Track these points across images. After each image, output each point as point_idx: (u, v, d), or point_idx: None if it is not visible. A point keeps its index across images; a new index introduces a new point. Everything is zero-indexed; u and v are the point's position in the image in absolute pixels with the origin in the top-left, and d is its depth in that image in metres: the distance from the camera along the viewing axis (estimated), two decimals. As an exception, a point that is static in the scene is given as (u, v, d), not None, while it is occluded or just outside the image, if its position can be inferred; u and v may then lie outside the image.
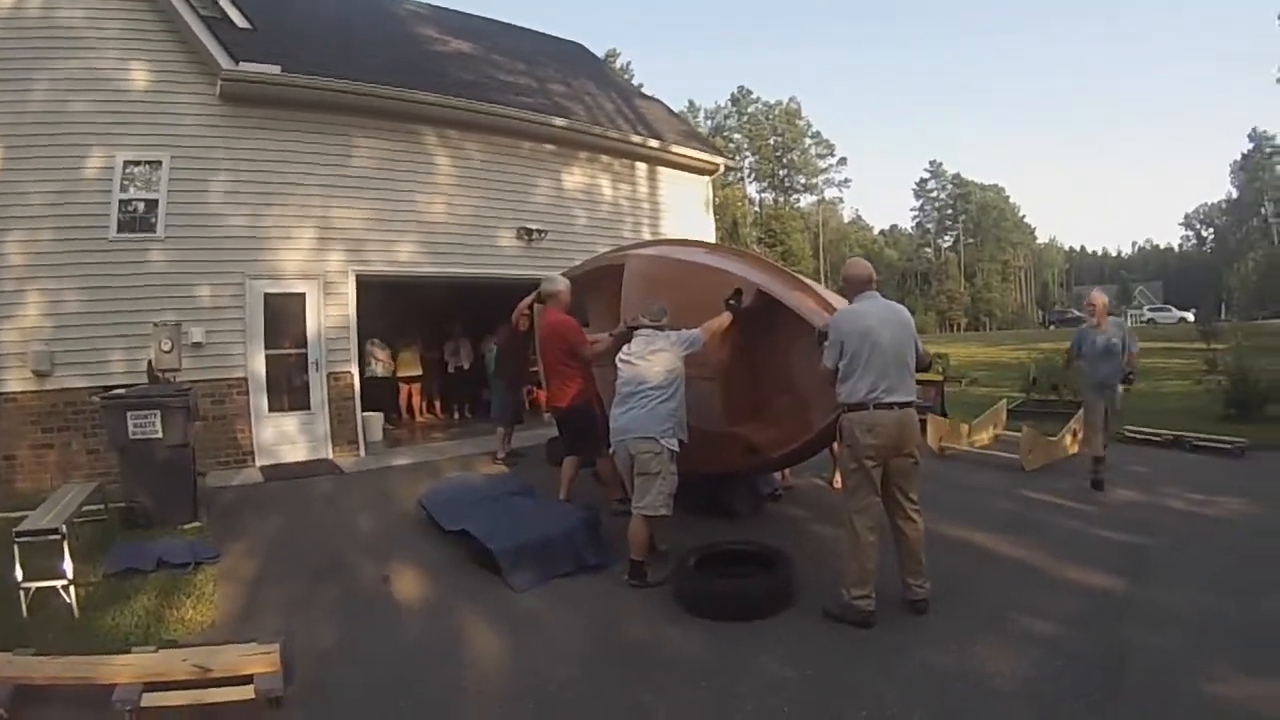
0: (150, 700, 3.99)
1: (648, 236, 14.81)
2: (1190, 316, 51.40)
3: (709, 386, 6.80)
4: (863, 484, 5.10)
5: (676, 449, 5.87)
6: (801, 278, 7.31)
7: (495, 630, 5.25)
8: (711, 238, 17.03)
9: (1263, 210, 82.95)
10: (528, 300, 8.50)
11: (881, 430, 4.99)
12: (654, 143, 15.65)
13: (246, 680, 4.12)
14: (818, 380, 5.58)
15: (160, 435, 7.74)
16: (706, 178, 17.45)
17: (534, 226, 13.57)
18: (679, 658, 4.76)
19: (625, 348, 6.25)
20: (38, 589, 5.47)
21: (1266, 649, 4.48)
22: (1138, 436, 11.07)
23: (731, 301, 6.47)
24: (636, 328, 6.34)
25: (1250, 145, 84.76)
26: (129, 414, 7.71)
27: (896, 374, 5.06)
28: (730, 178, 75.81)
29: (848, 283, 5.49)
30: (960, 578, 5.80)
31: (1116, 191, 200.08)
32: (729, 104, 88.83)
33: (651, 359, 5.99)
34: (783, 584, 5.44)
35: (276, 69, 10.78)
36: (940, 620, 5.04)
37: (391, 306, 13.86)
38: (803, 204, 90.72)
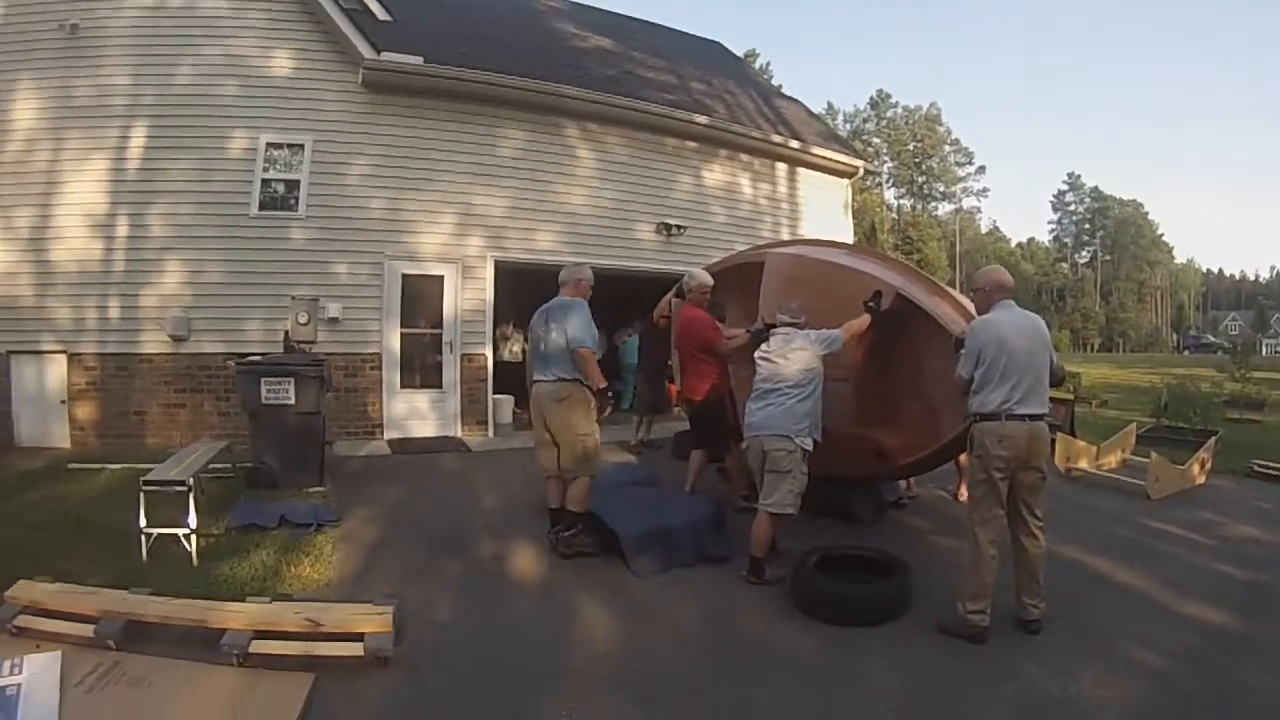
0: (259, 648, 4.01)
1: (786, 236, 14.59)
2: None
3: (842, 388, 6.61)
4: (989, 495, 4.89)
5: (810, 449, 5.70)
6: (940, 284, 7.10)
7: (607, 613, 5.17)
8: (849, 241, 16.65)
9: None
10: (669, 295, 8.33)
11: (1012, 442, 4.78)
12: (794, 143, 15.41)
13: (357, 638, 4.14)
14: (949, 389, 5.46)
15: (292, 402, 7.92)
16: (846, 180, 17.09)
17: (673, 222, 13.54)
18: (788, 656, 4.68)
19: (764, 345, 6.10)
20: (159, 535, 5.61)
21: None
22: (1267, 472, 10.27)
23: (871, 304, 6.29)
24: (774, 325, 6.20)
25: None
26: (263, 380, 7.91)
27: (1030, 386, 4.86)
28: (868, 183, 74.75)
29: (985, 291, 5.28)
30: (1073, 601, 5.58)
31: (1258, 212, 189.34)
32: (868, 107, 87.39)
33: (791, 357, 5.83)
34: (899, 592, 5.33)
35: (419, 59, 11.05)
36: (1050, 643, 4.86)
37: (527, 294, 13.91)
38: (940, 212, 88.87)
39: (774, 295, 7.32)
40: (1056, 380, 5.42)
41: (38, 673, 3.66)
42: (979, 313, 5.34)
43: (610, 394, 6.35)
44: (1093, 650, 4.75)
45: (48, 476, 8.05)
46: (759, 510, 5.73)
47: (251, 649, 3.98)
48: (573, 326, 6.07)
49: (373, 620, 4.23)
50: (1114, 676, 4.42)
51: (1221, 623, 5.27)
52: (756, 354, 6.09)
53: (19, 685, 3.57)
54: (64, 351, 10.05)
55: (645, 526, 6.13)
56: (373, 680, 3.96)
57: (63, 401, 10.01)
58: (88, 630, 4.13)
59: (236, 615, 4.23)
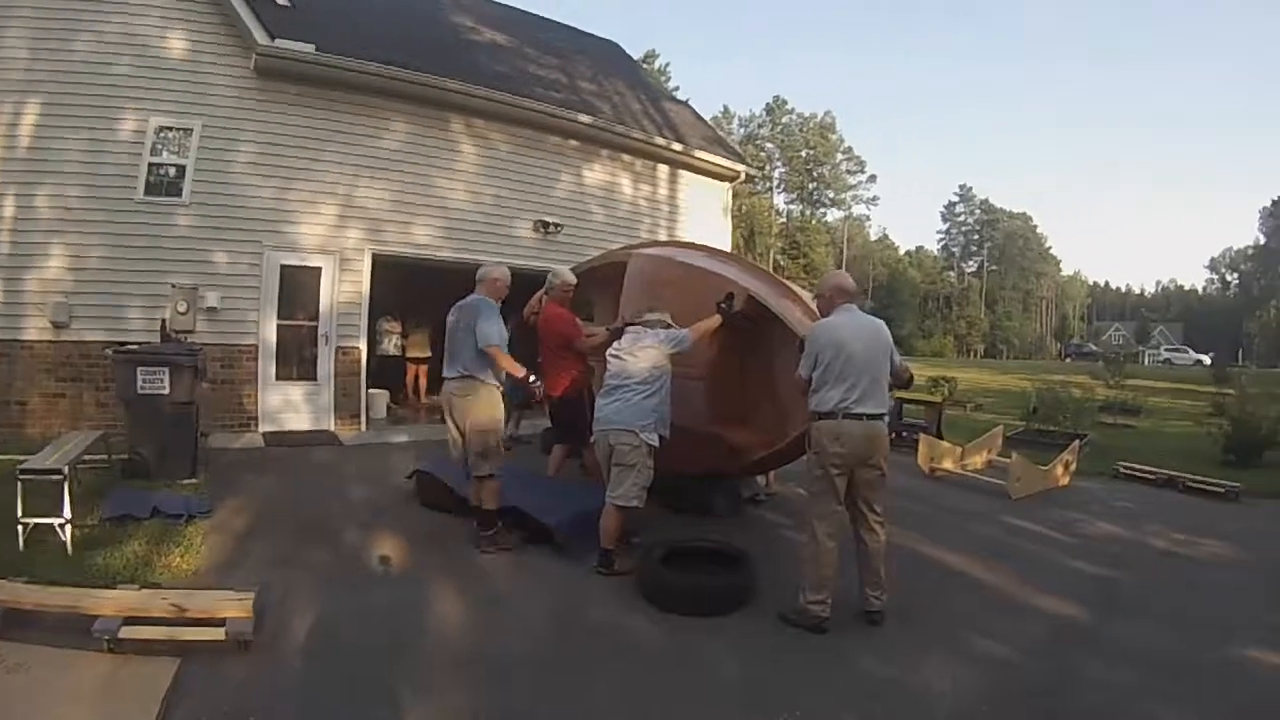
0: (128, 633, 4.24)
1: (663, 237, 15.06)
2: (1207, 360, 51.24)
3: (695, 386, 6.94)
4: (826, 491, 5.18)
5: (656, 444, 5.96)
6: (794, 288, 7.46)
7: (462, 602, 5.42)
8: (728, 243, 17.27)
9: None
10: (539, 293, 8.71)
11: (848, 439, 5.06)
12: (677, 146, 15.85)
13: (220, 623, 4.38)
14: (797, 388, 5.65)
15: (167, 392, 8.02)
16: (727, 184, 17.62)
17: (552, 220, 13.83)
18: (632, 644, 4.91)
19: (616, 343, 6.37)
20: (36, 525, 5.73)
21: (1219, 693, 4.53)
22: (1131, 473, 11.09)
23: (723, 305, 6.59)
24: (631, 324, 6.46)
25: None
26: (139, 369, 8.00)
27: (867, 386, 5.13)
28: (758, 187, 75.90)
29: (826, 296, 5.57)
30: (924, 596, 5.89)
31: (1144, 229, 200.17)
32: (764, 113, 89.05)
33: (639, 355, 6.09)
34: (742, 583, 5.56)
35: (311, 48, 11.04)
36: (894, 634, 5.13)
37: (407, 288, 14.10)
38: (830, 218, 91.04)
39: (635, 295, 7.66)
40: (902, 382, 5.80)
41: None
42: (821, 316, 5.60)
43: (534, 380, 6.62)
44: (937, 641, 5.04)
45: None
46: (606, 503, 5.97)
47: (121, 634, 4.18)
48: (480, 325, 6.23)
49: (234, 606, 4.47)
50: (954, 667, 4.67)
51: (1072, 617, 5.64)
52: (608, 351, 6.35)
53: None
54: (-60, 338, 9.76)
55: (571, 511, 6.47)
56: (234, 663, 4.19)
57: (-61, 390, 9.73)
58: None
59: (108, 602, 4.45)
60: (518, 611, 5.39)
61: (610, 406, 6.06)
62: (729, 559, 5.85)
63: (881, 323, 5.56)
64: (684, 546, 6.07)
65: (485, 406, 6.37)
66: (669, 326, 6.32)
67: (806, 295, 7.31)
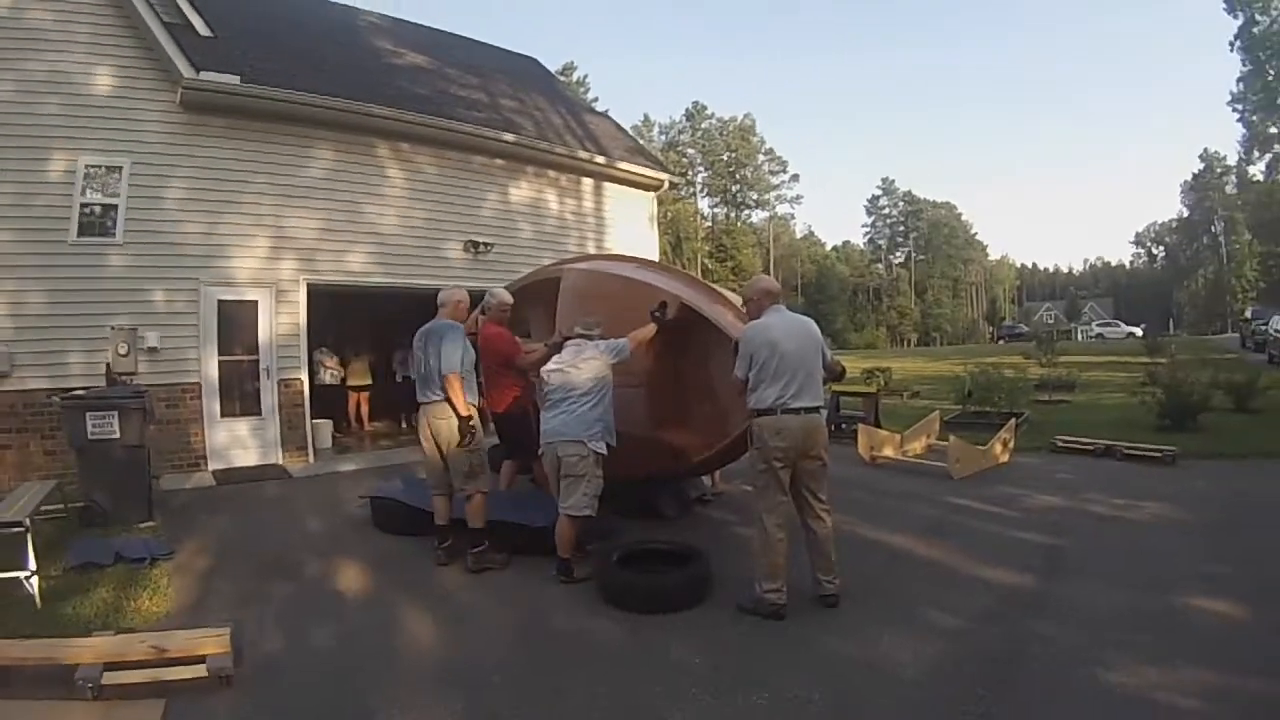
0: (111, 679, 4.31)
1: (592, 250, 15.36)
2: (1139, 332, 52.17)
3: (636, 393, 7.18)
4: (771, 484, 5.41)
5: (604, 452, 6.15)
6: (724, 292, 7.73)
7: (430, 620, 5.58)
8: (655, 252, 17.63)
9: (1213, 229, 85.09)
10: (475, 313, 8.85)
11: (789, 433, 5.30)
12: (600, 159, 16.15)
13: (200, 660, 4.48)
14: (733, 389, 5.83)
15: (118, 436, 8.05)
16: (652, 193, 17.98)
17: (481, 239, 14.00)
18: (600, 646, 5.07)
19: (556, 356, 6.52)
20: (1, 580, 5.74)
21: (1165, 640, 4.78)
22: (1069, 446, 11.40)
23: (657, 313, 6.83)
24: (570, 338, 6.61)
25: (1201, 165, 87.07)
26: (88, 414, 8.02)
27: (803, 382, 5.37)
28: (683, 192, 76.54)
29: (755, 300, 5.83)
30: (875, 577, 6.13)
31: (1069, 210, 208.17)
32: (683, 119, 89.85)
33: (582, 366, 6.25)
34: (697, 579, 5.75)
35: (235, 79, 11.11)
36: (850, 614, 5.36)
37: (343, 316, 14.20)
38: (755, 219, 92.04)
39: (569, 310, 7.89)
40: (835, 375, 6.07)
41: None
42: (751, 319, 5.82)
43: (473, 422, 6.76)
44: (892, 618, 5.26)
45: None
46: (559, 514, 6.15)
47: (104, 680, 4.26)
48: (444, 351, 6.43)
49: (212, 642, 4.57)
50: (912, 639, 4.90)
51: (1019, 584, 5.91)
52: (548, 365, 6.50)
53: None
54: (-120, 393, 9.56)
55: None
56: (219, 699, 4.28)
57: (-121, 448, 9.52)
58: None
59: (86, 650, 4.50)
60: (486, 624, 5.55)
61: (557, 419, 6.22)
62: (683, 558, 6.01)
63: (810, 320, 5.84)
64: (639, 548, 6.29)
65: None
66: (605, 338, 6.52)
67: (735, 299, 7.55)
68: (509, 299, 7.89)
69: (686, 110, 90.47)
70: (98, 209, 10.73)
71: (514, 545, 6.77)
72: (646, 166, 17.81)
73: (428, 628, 5.48)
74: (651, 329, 6.81)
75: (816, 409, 5.50)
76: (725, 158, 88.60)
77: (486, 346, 7.74)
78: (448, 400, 6.47)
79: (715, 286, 8.21)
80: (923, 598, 5.69)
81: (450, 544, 6.75)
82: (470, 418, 6.54)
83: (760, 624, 5.24)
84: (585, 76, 74.37)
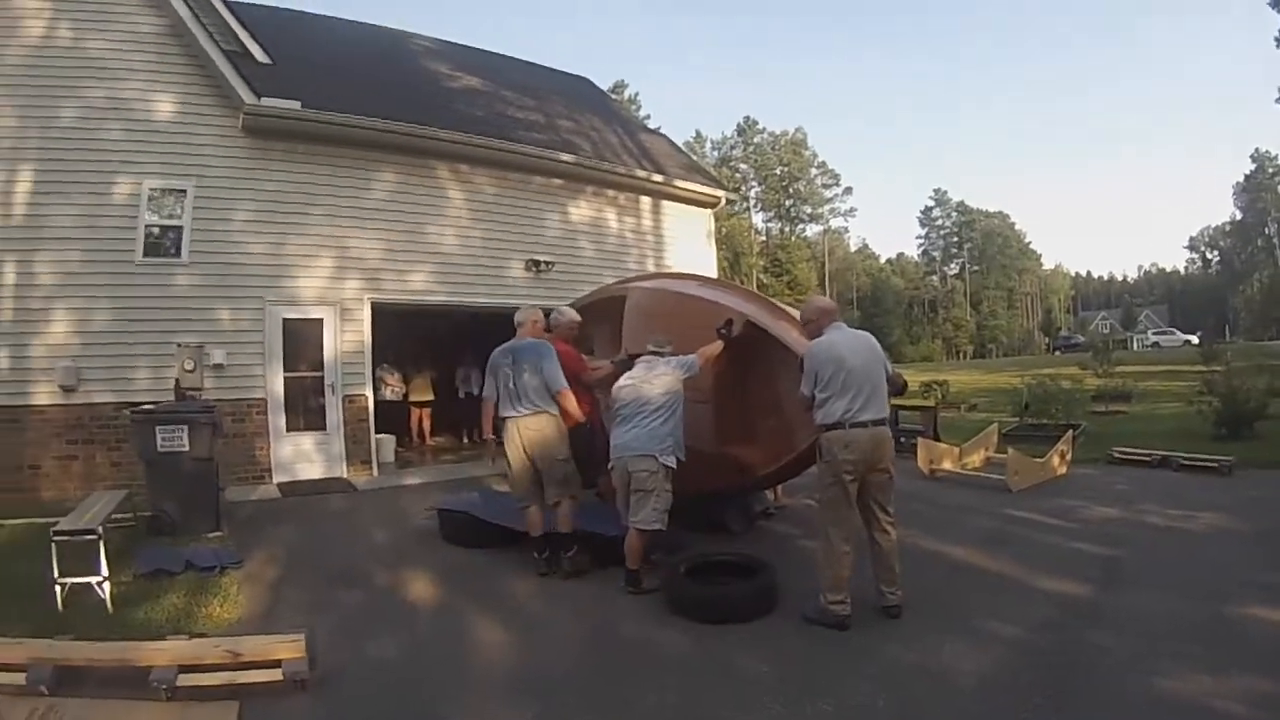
0: (185, 681, 4.33)
1: (652, 267, 15.30)
2: (1194, 340, 50.90)
3: (703, 409, 7.12)
4: (839, 497, 5.37)
5: (674, 466, 6.13)
6: (787, 309, 7.65)
7: (501, 629, 5.56)
8: (713, 268, 17.54)
9: (1266, 231, 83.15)
10: None
11: (857, 447, 5.27)
12: (658, 177, 16.12)
13: (274, 665, 4.46)
14: (801, 404, 5.83)
15: (187, 449, 8.16)
16: (709, 210, 17.85)
17: (542, 258, 14.01)
18: (668, 655, 5.06)
19: (628, 373, 6.57)
20: (73, 585, 5.81)
21: (1221, 649, 4.68)
22: (1126, 457, 11.30)
23: (723, 330, 6.84)
24: (638, 355, 6.69)
25: (1253, 166, 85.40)
26: (158, 428, 8.14)
27: (869, 395, 5.35)
28: (736, 208, 76.38)
29: (814, 321, 5.83)
30: (935, 588, 6.09)
31: (1122, 216, 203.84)
32: (735, 134, 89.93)
33: (655, 382, 6.28)
34: (764, 590, 5.73)
35: (297, 104, 11.31)
36: (912, 624, 5.32)
37: (405, 333, 14.29)
38: (809, 233, 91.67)
39: (636, 327, 7.91)
40: (897, 389, 6.00)
41: (-24, 721, 3.78)
42: (810, 339, 5.80)
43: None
44: (953, 627, 5.25)
45: (-56, 537, 7.96)
46: (630, 527, 6.13)
47: (179, 682, 4.29)
48: (547, 370, 6.60)
49: (288, 647, 4.55)
50: (972, 648, 4.90)
51: (1076, 594, 5.86)
52: (620, 381, 6.54)
53: (-44, 735, 3.68)
54: (-50, 406, 9.82)
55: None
56: (293, 703, 4.29)
57: (-50, 459, 9.76)
58: (19, 678, 4.31)
59: (161, 653, 4.51)
60: (555, 634, 5.56)
61: (629, 434, 6.23)
62: (750, 570, 5.99)
63: (871, 336, 5.85)
64: (706, 560, 6.27)
65: (559, 438, 6.66)
66: (669, 344, 6.59)
67: (798, 314, 7.51)
68: (577, 317, 7.91)
69: (738, 125, 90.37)
70: (162, 230, 11.01)
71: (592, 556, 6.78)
72: (703, 183, 17.80)
73: (497, 637, 5.47)
74: (719, 345, 6.83)
75: (883, 421, 5.49)
76: (778, 172, 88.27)
77: None
78: (545, 412, 6.62)
79: (777, 302, 8.12)
80: (982, 608, 5.68)
81: (550, 554, 6.75)
82: (585, 421, 6.85)
83: (825, 634, 5.22)
84: (636, 94, 74.69)
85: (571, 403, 6.64)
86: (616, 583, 6.24)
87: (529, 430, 6.61)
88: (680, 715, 4.26)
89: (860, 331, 5.87)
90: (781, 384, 6.84)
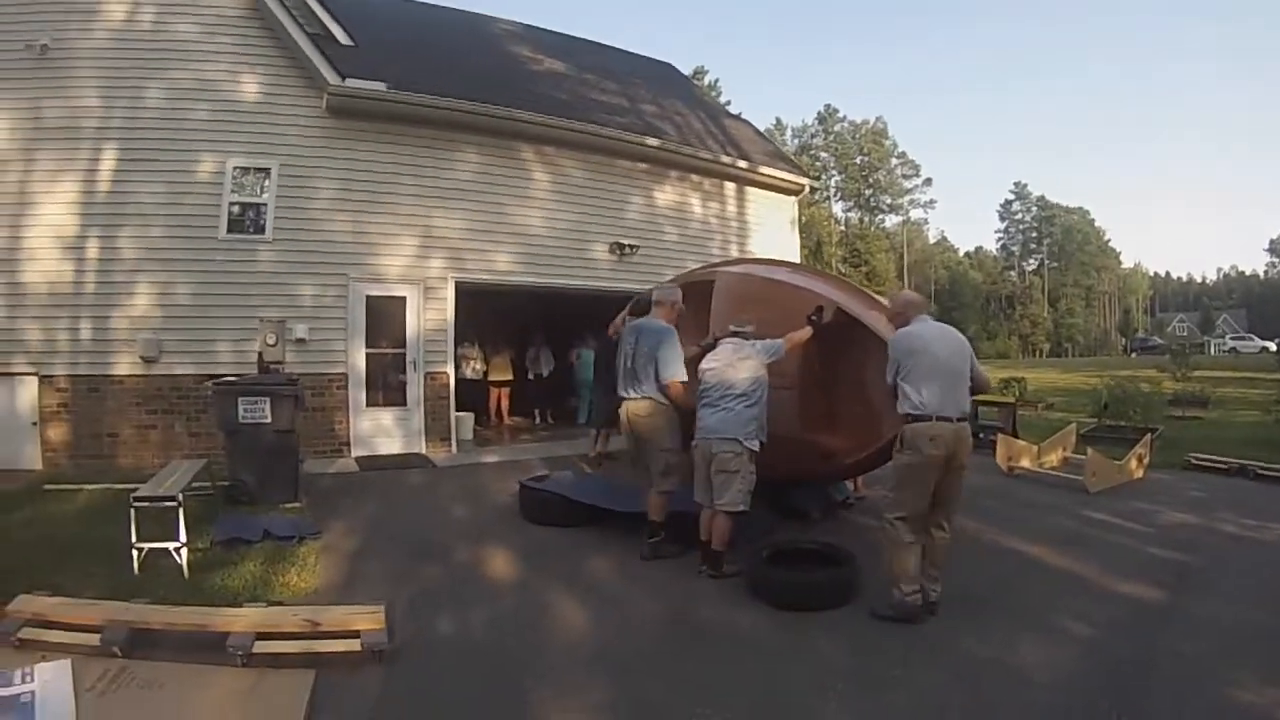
0: (261, 648, 4.26)
1: (735, 254, 15.02)
2: (1273, 347, 49.59)
3: (788, 395, 7.03)
4: (917, 489, 5.29)
5: (757, 449, 6.08)
6: (875, 297, 7.54)
7: (578, 606, 5.54)
8: (796, 256, 17.27)
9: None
10: (623, 313, 8.58)
11: (942, 440, 5.16)
12: (742, 163, 15.85)
13: (354, 635, 4.40)
14: (888, 393, 5.77)
15: (269, 420, 8.15)
16: (793, 198, 17.54)
17: (627, 241, 13.85)
18: (745, 638, 5.06)
19: (713, 355, 6.47)
20: (150, 550, 5.82)
21: None
22: (1203, 463, 11.00)
23: (813, 317, 6.73)
24: (723, 338, 6.58)
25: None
26: (240, 399, 8.14)
27: (950, 388, 5.28)
28: (816, 197, 75.54)
29: (901, 314, 5.77)
30: (1010, 584, 6.11)
31: (1202, 216, 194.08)
32: (815, 123, 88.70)
33: (739, 366, 6.21)
34: (846, 579, 5.69)
35: (382, 86, 11.30)
36: (987, 620, 5.31)
37: (486, 313, 14.26)
38: (888, 224, 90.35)
39: (724, 312, 7.70)
40: (980, 387, 5.84)
41: (50, 680, 3.75)
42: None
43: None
44: (1027, 624, 5.20)
45: (26, 498, 8.11)
46: (715, 510, 6.04)
47: (255, 649, 4.22)
48: (664, 356, 6.52)
49: (367, 618, 4.50)
50: (1046, 645, 4.84)
51: (1150, 598, 5.74)
52: (705, 363, 6.43)
53: (33, 692, 3.67)
54: (35, 373, 10.05)
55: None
56: (370, 673, 4.23)
57: (34, 423, 10.00)
58: (93, 639, 4.28)
59: (238, 619, 4.48)
60: (636, 613, 5.52)
61: (714, 416, 6.16)
62: (832, 558, 5.97)
63: (958, 331, 5.80)
64: (788, 547, 6.23)
65: (668, 429, 6.63)
66: (759, 337, 6.46)
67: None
68: (677, 295, 7.65)
69: (818, 113, 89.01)
70: (245, 207, 11.09)
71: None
72: (787, 170, 17.51)
73: (577, 614, 5.44)
74: (807, 332, 6.71)
75: (965, 418, 5.44)
76: (858, 161, 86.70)
77: None
78: (654, 400, 6.60)
79: (868, 291, 7.89)
80: (1056, 605, 5.63)
81: (659, 539, 6.66)
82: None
83: (899, 626, 5.17)
84: (716, 80, 73.91)
85: (682, 395, 6.54)
86: (697, 565, 6.19)
87: (636, 415, 6.66)
88: (756, 694, 4.25)
89: (946, 325, 5.80)
90: (869, 373, 6.77)
